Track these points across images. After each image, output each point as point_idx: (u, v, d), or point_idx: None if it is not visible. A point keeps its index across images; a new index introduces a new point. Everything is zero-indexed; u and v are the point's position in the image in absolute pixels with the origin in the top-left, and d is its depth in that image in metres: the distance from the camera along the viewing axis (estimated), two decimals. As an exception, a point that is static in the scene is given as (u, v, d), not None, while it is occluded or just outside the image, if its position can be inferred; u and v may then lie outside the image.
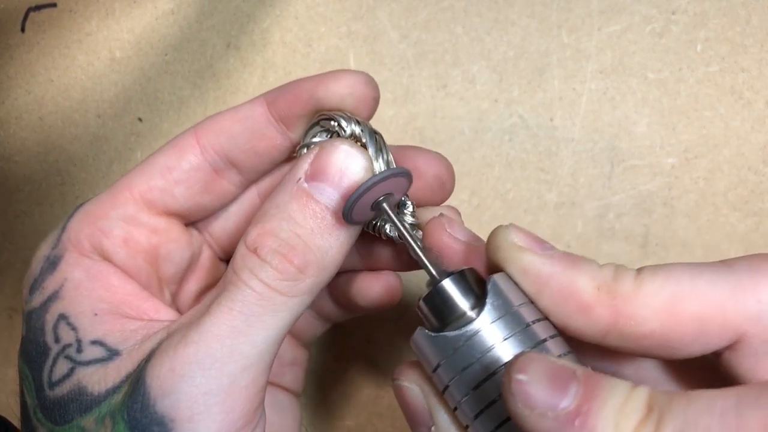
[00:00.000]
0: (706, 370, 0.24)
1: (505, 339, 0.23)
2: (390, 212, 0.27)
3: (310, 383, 0.43)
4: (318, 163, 0.26)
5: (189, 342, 0.24)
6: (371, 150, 0.27)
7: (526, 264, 0.23)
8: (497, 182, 0.40)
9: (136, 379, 0.24)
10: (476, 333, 0.23)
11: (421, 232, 0.28)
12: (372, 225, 0.29)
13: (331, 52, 0.42)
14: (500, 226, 0.25)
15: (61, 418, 0.25)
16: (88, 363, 0.25)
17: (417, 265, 0.27)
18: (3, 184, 0.48)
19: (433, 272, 0.25)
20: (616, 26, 0.39)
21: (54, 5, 0.47)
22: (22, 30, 0.47)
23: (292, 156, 0.30)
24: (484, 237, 0.26)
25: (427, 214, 0.29)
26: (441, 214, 0.28)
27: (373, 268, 0.33)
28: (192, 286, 0.32)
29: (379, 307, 0.33)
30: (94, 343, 0.26)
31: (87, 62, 0.46)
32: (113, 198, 0.29)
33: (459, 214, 0.30)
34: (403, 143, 0.41)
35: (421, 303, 0.25)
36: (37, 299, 0.27)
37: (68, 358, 0.26)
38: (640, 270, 0.23)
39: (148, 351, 0.25)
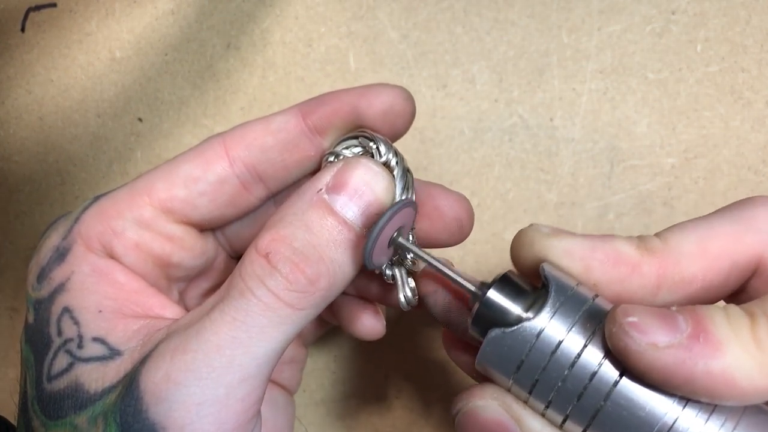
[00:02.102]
0: None
1: (577, 320, 0.22)
2: (408, 244, 0.26)
3: (310, 383, 0.43)
4: (342, 175, 0.26)
5: (187, 349, 0.23)
6: (399, 186, 0.27)
7: (568, 245, 0.24)
8: (497, 182, 0.40)
9: (130, 381, 0.24)
10: (551, 318, 0.22)
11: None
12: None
13: (331, 52, 0.42)
14: (524, 228, 0.25)
15: (55, 413, 0.25)
16: (88, 360, 0.25)
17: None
18: (3, 184, 0.48)
19: (472, 289, 0.25)
20: (616, 26, 0.39)
21: (54, 5, 0.47)
22: (22, 30, 0.47)
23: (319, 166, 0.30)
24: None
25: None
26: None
27: (363, 297, 0.32)
28: (203, 283, 0.32)
29: (362, 339, 0.32)
30: (96, 340, 0.25)
31: (87, 62, 0.46)
32: (131, 199, 0.28)
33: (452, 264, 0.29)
34: (403, 143, 0.41)
35: (471, 327, 0.24)
36: (46, 289, 0.27)
37: (68, 352, 0.25)
38: (656, 234, 0.24)
39: (147, 352, 0.24)
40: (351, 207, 0.25)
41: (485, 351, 0.23)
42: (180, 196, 0.28)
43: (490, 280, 0.25)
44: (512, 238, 0.26)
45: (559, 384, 0.22)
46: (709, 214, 0.24)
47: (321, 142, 0.29)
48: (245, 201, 0.29)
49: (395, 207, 0.25)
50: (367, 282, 0.31)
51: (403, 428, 0.42)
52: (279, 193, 0.31)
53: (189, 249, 0.29)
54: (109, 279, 0.27)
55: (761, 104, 0.38)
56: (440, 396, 0.41)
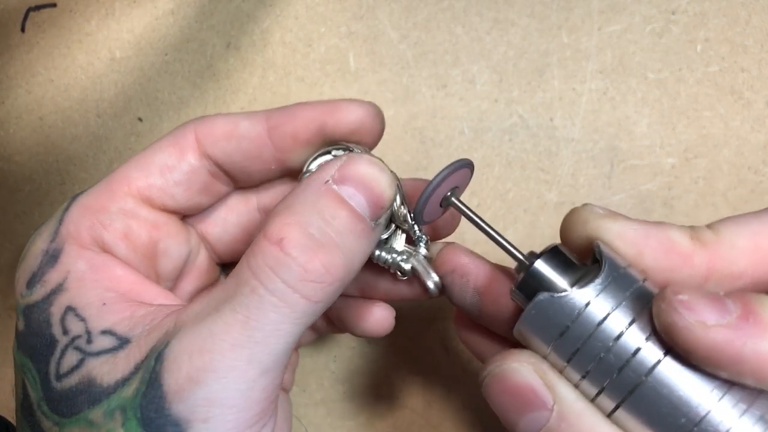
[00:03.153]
0: None
1: (627, 296, 0.22)
2: (462, 206, 0.26)
3: (311, 383, 0.43)
4: (347, 168, 0.25)
5: (204, 350, 0.23)
6: None
7: (622, 228, 0.24)
8: (497, 182, 0.40)
9: (151, 380, 0.24)
10: (601, 291, 0.22)
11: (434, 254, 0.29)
12: (383, 259, 0.29)
13: (331, 52, 0.42)
14: (579, 207, 0.25)
15: (69, 410, 0.25)
16: (99, 353, 0.25)
17: (413, 295, 0.29)
18: (3, 184, 0.48)
19: (521, 257, 0.25)
20: (616, 26, 0.39)
21: (54, 5, 0.47)
22: (22, 30, 0.47)
23: (295, 178, 0.30)
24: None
25: (439, 245, 0.29)
26: (455, 243, 0.29)
27: (366, 296, 0.32)
28: (187, 286, 0.32)
29: (370, 336, 0.32)
30: (105, 332, 0.25)
31: (87, 62, 0.46)
32: (111, 191, 0.28)
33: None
34: (403, 143, 0.41)
35: (514, 293, 0.24)
36: (39, 293, 0.27)
37: (78, 349, 0.25)
38: (709, 225, 0.24)
39: (155, 340, 0.24)
40: (359, 198, 0.25)
41: (529, 314, 0.23)
42: (157, 184, 0.28)
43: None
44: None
45: (601, 355, 0.22)
46: (765, 209, 0.24)
47: (284, 159, 0.29)
48: (217, 189, 0.30)
49: (454, 165, 0.25)
50: (374, 279, 0.31)
51: (403, 428, 0.42)
52: (258, 190, 0.31)
53: (174, 235, 0.30)
54: (107, 272, 0.27)
55: (761, 104, 0.38)
56: (440, 396, 0.41)
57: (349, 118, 0.27)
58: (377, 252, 0.28)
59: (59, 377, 0.25)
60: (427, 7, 0.41)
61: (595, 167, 0.39)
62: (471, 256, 0.28)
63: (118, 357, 0.25)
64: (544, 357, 0.23)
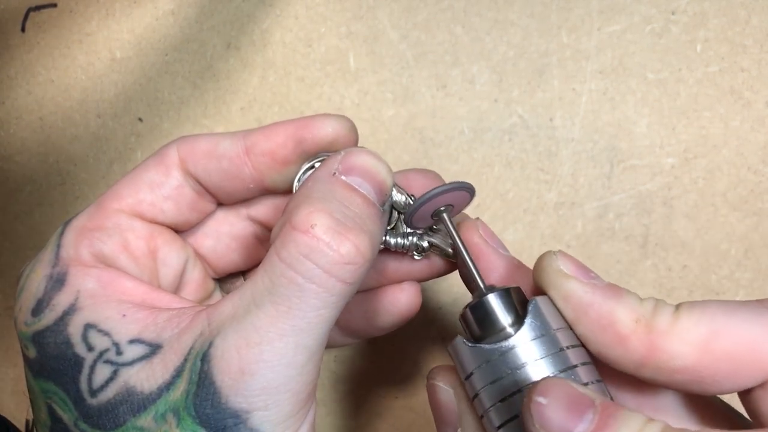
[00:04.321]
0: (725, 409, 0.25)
1: (538, 359, 0.23)
2: (450, 223, 0.28)
3: (310, 383, 0.43)
4: (350, 160, 0.26)
5: (251, 343, 0.24)
6: None
7: (569, 290, 0.24)
8: (497, 182, 0.40)
9: (200, 380, 0.24)
10: (511, 349, 0.24)
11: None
12: (400, 244, 0.30)
13: (331, 52, 0.42)
14: (549, 252, 0.26)
15: (112, 422, 0.25)
16: (132, 362, 0.25)
17: (431, 272, 0.30)
18: (3, 184, 0.48)
19: (482, 285, 0.26)
20: (616, 26, 0.39)
21: (54, 5, 0.47)
22: (23, 30, 0.47)
23: (286, 192, 0.30)
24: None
25: (461, 218, 0.30)
26: (477, 218, 0.29)
27: (385, 284, 0.33)
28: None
29: (401, 321, 0.32)
30: (133, 342, 0.25)
31: (87, 62, 0.46)
32: (103, 210, 0.29)
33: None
34: (403, 143, 0.42)
35: (467, 311, 0.26)
36: (49, 317, 0.26)
37: (108, 362, 0.25)
38: (678, 306, 0.23)
39: (191, 342, 0.25)
40: (366, 186, 0.26)
41: (449, 349, 0.26)
42: (147, 199, 0.29)
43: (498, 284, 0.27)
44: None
45: (491, 407, 0.24)
46: (745, 302, 0.23)
47: (261, 179, 0.29)
48: (203, 206, 0.30)
49: (457, 184, 0.27)
50: (392, 266, 0.32)
51: (403, 428, 0.42)
52: (248, 204, 0.31)
53: (170, 243, 0.30)
54: (117, 286, 0.27)
55: (761, 104, 0.38)
56: (440, 396, 0.41)
57: (324, 133, 0.28)
58: (393, 240, 0.29)
59: (93, 393, 0.25)
60: (427, 7, 0.41)
61: (595, 167, 0.39)
62: (483, 238, 0.28)
63: (153, 363, 0.25)
64: (462, 382, 0.25)
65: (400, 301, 0.32)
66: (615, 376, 0.25)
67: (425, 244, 0.30)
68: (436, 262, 0.31)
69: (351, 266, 0.24)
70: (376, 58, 0.42)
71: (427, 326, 0.42)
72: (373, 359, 0.43)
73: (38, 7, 0.47)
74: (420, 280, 0.32)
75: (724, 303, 0.23)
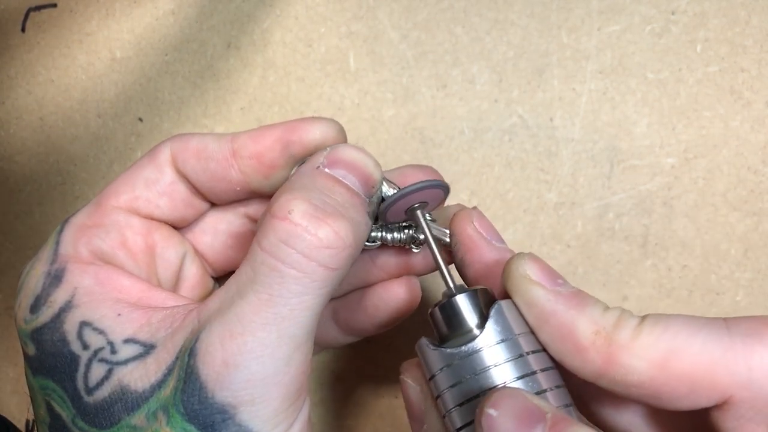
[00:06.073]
0: (693, 422, 0.25)
1: (498, 364, 0.23)
2: (423, 220, 0.28)
3: (311, 383, 0.43)
4: (335, 154, 0.26)
5: (235, 333, 0.23)
6: None
7: (532, 297, 0.24)
8: (497, 182, 0.40)
9: (186, 375, 0.24)
10: (472, 353, 0.24)
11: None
12: (397, 239, 0.30)
13: (331, 52, 0.42)
14: (517, 255, 0.25)
15: (107, 420, 0.25)
16: (126, 362, 0.25)
17: (430, 265, 0.30)
18: (3, 184, 0.48)
19: (451, 285, 0.26)
20: (616, 26, 0.39)
21: (54, 5, 0.47)
22: (23, 30, 0.47)
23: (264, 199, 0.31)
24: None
25: (456, 208, 0.30)
26: (474, 207, 0.29)
27: (384, 279, 0.32)
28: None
29: (401, 317, 0.32)
30: (127, 341, 0.25)
31: (87, 62, 0.46)
32: (100, 208, 0.29)
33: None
34: (403, 143, 0.42)
35: (435, 311, 0.26)
36: (46, 314, 0.26)
37: (103, 360, 0.25)
38: (643, 318, 0.23)
39: (182, 341, 0.25)
40: (351, 178, 0.26)
41: (416, 349, 0.26)
42: (143, 196, 0.29)
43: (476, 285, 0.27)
44: (512, 238, 0.26)
45: (452, 409, 0.24)
46: (711, 321, 0.23)
47: (248, 182, 0.29)
48: (197, 205, 0.31)
49: (431, 181, 0.27)
50: (389, 262, 0.32)
51: (404, 428, 0.42)
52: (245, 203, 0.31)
53: (168, 238, 0.30)
54: (114, 284, 0.27)
55: (761, 104, 0.38)
56: (440, 396, 0.41)
57: (312, 136, 0.28)
58: (389, 236, 0.29)
59: (89, 391, 0.25)
60: (427, 7, 0.41)
61: (595, 167, 0.39)
62: (476, 230, 0.28)
63: (147, 362, 0.25)
64: (427, 381, 0.26)
65: (399, 295, 0.32)
66: (582, 384, 0.25)
67: (422, 236, 0.29)
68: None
69: (331, 250, 0.24)
70: (376, 58, 0.42)
71: (426, 326, 0.42)
72: (373, 359, 0.43)
73: (38, 7, 0.47)
74: (419, 274, 0.32)
75: (690, 320, 0.23)
